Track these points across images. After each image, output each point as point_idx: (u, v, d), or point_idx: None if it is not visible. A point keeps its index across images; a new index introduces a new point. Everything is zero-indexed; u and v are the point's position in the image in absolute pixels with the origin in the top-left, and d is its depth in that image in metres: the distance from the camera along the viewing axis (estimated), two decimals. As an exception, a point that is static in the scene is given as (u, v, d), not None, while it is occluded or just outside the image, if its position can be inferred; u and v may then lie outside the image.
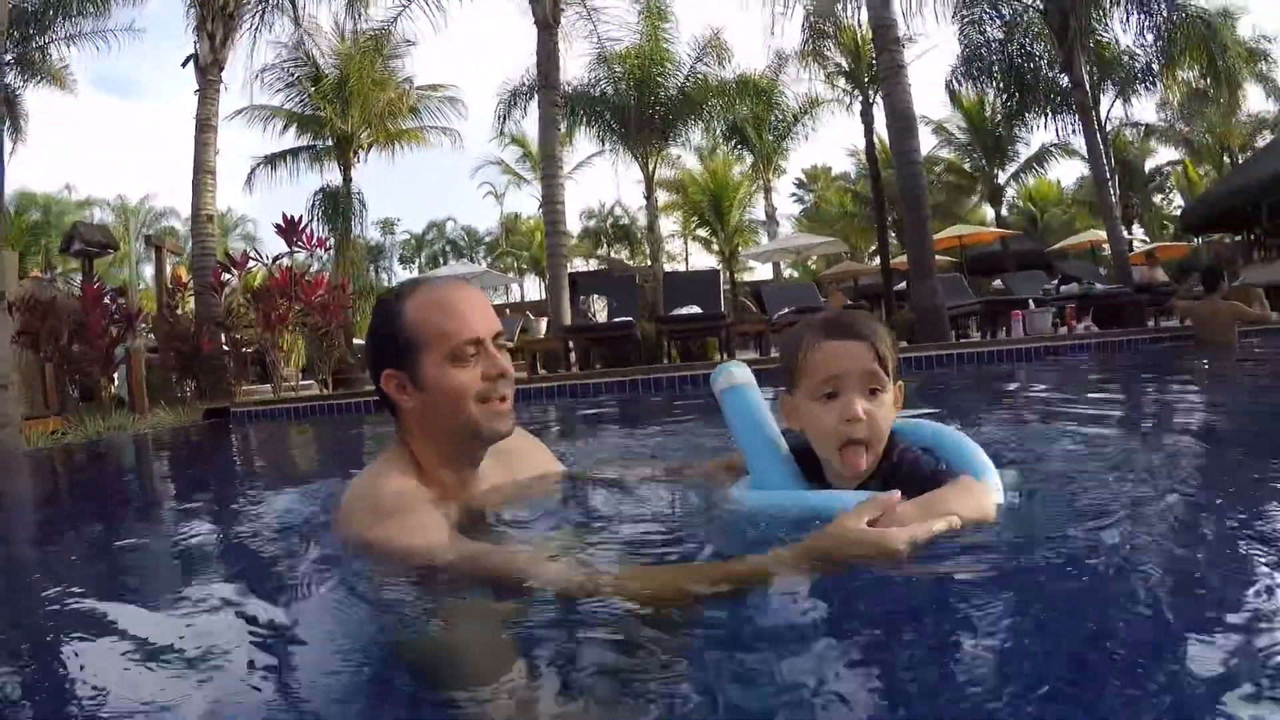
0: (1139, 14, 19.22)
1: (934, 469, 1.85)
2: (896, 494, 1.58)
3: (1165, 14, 18.93)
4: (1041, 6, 19.11)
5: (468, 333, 1.97)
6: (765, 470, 2.00)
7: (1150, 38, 19.87)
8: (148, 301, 16.73)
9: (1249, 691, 1.08)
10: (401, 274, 60.53)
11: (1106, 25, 20.55)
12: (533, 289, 54.96)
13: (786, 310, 14.59)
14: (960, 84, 23.65)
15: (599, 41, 22.44)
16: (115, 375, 12.29)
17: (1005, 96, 22.55)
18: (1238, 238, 25.17)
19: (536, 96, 18.05)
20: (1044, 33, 20.04)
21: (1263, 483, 2.46)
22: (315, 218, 22.55)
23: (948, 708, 1.16)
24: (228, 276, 13.39)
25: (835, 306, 12.97)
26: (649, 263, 28.58)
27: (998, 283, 20.20)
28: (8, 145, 8.60)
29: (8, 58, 13.40)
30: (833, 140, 75.28)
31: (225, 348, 12.92)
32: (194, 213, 15.39)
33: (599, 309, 14.10)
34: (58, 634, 1.82)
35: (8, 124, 20.72)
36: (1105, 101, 25.07)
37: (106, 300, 12.10)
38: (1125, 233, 25.85)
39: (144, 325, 12.74)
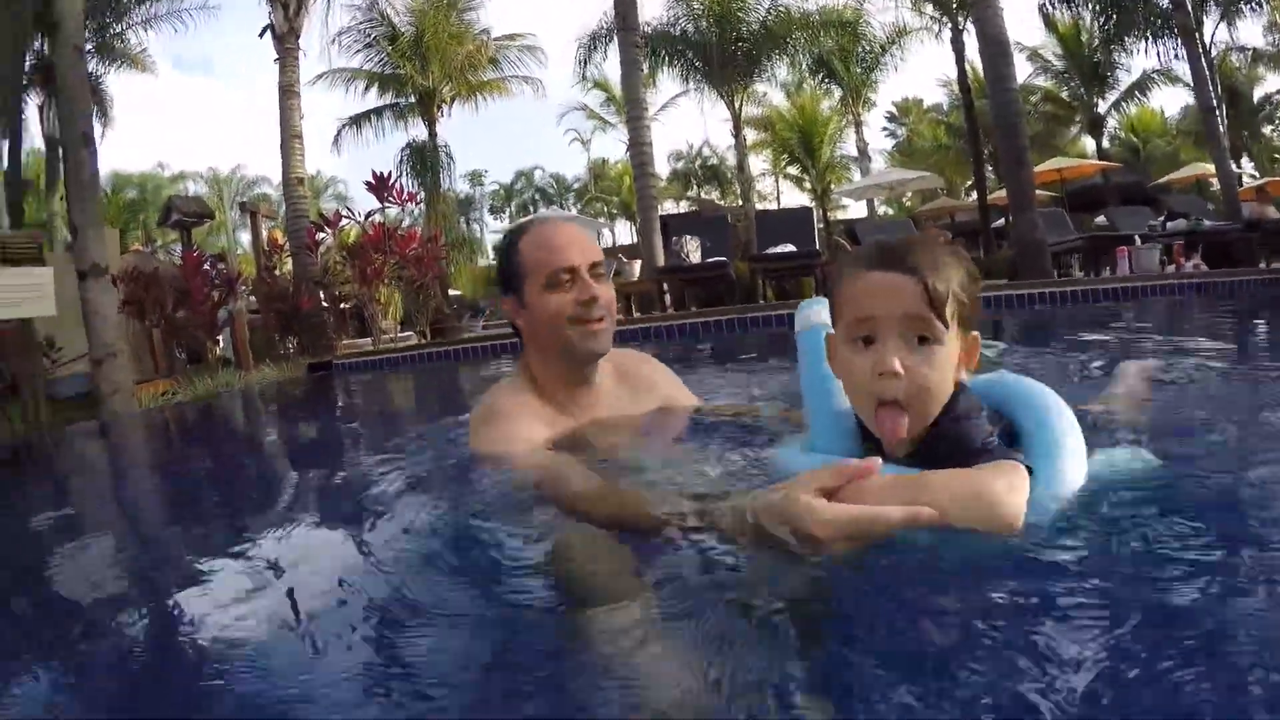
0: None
1: (985, 442, 1.42)
2: (876, 462, 1.26)
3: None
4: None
5: (562, 261, 2.23)
6: (819, 428, 1.67)
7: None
8: (246, 265, 17.03)
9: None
10: (493, 224, 61.08)
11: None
12: (623, 234, 54.62)
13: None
14: (1054, 7, 22.54)
15: (675, -23, 22.11)
16: (220, 337, 12.61)
17: (1102, 19, 21.45)
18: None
19: (616, 39, 17.77)
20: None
21: None
22: (404, 173, 22.66)
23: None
24: (322, 235, 13.58)
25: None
26: (740, 203, 28.16)
27: (1100, 218, 19.09)
28: (97, 129, 8.93)
29: (88, 45, 13.79)
30: (923, 71, 72.95)
31: (324, 304, 13.12)
32: (285, 177, 15.67)
33: (692, 250, 13.92)
34: (202, 575, 1.95)
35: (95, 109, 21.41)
36: (1209, 24, 23.26)
37: (206, 267, 12.36)
38: (1234, 166, 24.38)
39: (244, 288, 12.96)
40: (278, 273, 13.76)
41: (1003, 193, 16.31)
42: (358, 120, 24.86)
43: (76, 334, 8.77)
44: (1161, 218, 15.55)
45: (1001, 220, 19.61)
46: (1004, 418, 1.52)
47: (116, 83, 33.37)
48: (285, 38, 15.74)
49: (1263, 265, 12.94)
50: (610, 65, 24.30)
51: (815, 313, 1.80)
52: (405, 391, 7.85)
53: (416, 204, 15.27)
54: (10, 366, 8.16)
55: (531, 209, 58.11)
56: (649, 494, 1.64)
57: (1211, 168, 19.59)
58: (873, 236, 15.53)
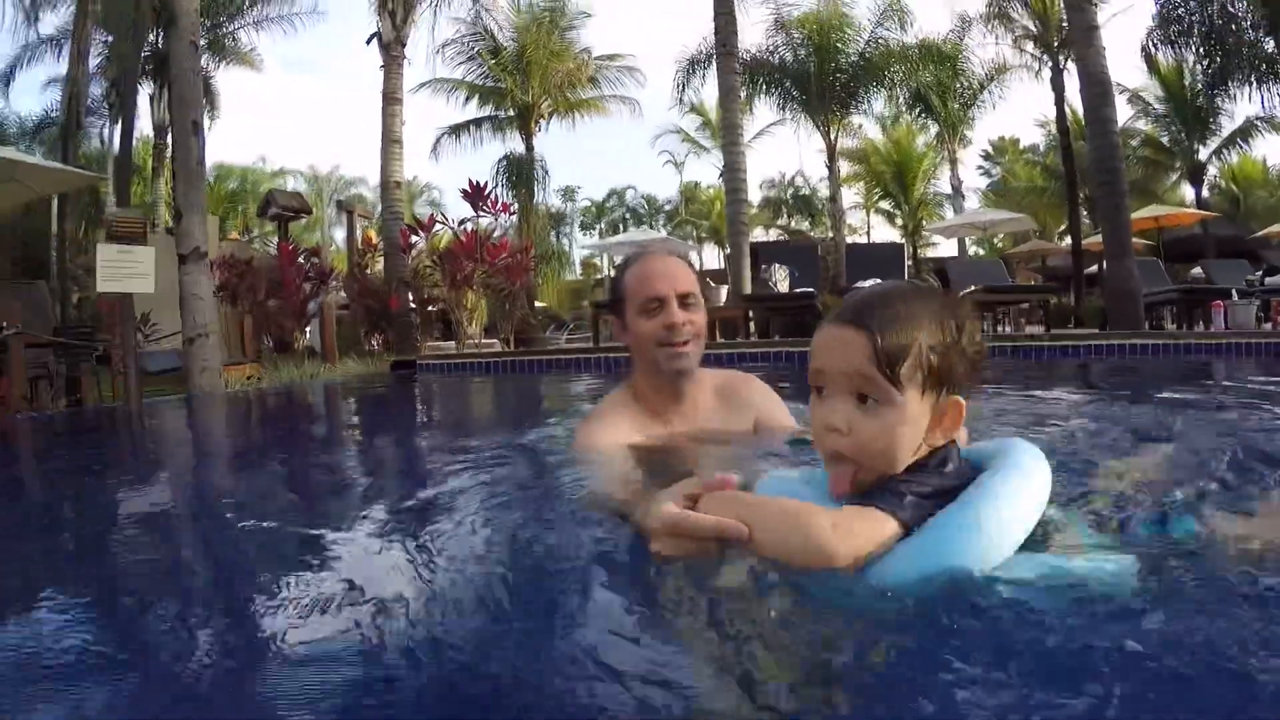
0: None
1: (904, 496, 1.30)
2: (731, 478, 1.33)
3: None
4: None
5: (652, 291, 2.55)
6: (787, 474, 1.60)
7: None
8: (339, 262, 17.38)
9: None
10: (582, 240, 61.47)
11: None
12: (711, 258, 54.64)
13: (973, 288, 13.99)
14: (1157, 47, 21.86)
15: (776, 6, 22.09)
16: (308, 328, 12.83)
17: (1205, 61, 20.81)
18: None
19: (715, 64, 17.79)
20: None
21: None
22: (499, 184, 22.99)
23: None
24: (415, 239, 13.76)
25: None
26: (829, 234, 27.96)
27: (1196, 270, 18.42)
28: (204, 121, 9.26)
29: (202, 41, 14.34)
30: (1021, 110, 72.22)
31: (412, 305, 13.28)
32: (383, 180, 15.94)
33: (780, 278, 13.82)
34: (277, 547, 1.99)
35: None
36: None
37: (301, 260, 12.62)
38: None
39: (335, 283, 13.21)
40: (369, 271, 13.99)
41: (1097, 238, 15.89)
42: (456, 130, 25.26)
43: (170, 313, 9.02)
44: (1260, 272, 14.93)
45: (1095, 267, 19.09)
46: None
47: (225, 78, 34.51)
48: (391, 46, 16.07)
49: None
50: (708, 90, 24.46)
51: None
52: (486, 397, 7.85)
53: (510, 215, 15.38)
54: (108, 338, 8.41)
55: (622, 228, 58.40)
56: (628, 492, 1.88)
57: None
58: (966, 277, 15.35)
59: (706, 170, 74.15)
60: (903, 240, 29.88)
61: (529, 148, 23.71)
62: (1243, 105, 24.40)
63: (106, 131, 21.97)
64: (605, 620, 1.28)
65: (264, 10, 22.42)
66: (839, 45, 22.41)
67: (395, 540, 1.91)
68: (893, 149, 30.43)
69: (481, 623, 1.34)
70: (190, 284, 8.59)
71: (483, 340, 13.53)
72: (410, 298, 13.39)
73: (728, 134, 16.56)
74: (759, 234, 41.78)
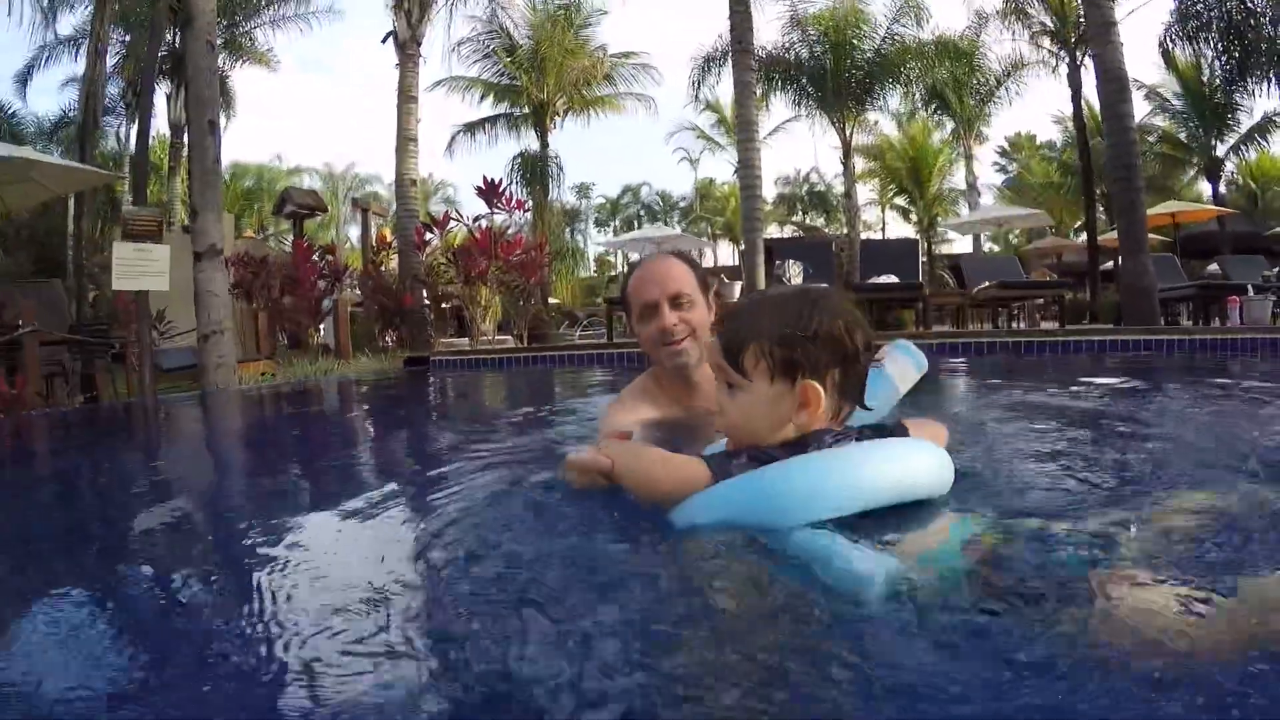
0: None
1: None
2: (629, 433, 2.01)
3: None
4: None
5: (644, 298, 2.76)
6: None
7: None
8: (353, 260, 17.43)
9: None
10: (597, 236, 61.61)
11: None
12: (725, 254, 54.61)
13: (987, 284, 13.93)
14: (1175, 43, 21.64)
15: (792, 3, 22.02)
16: (322, 325, 12.88)
17: (1224, 57, 20.61)
18: None
19: (730, 61, 17.70)
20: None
21: None
22: (514, 181, 23.07)
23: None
24: (430, 236, 13.79)
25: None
26: (844, 230, 27.90)
27: (1213, 266, 18.24)
28: (221, 120, 9.31)
29: (218, 40, 14.35)
30: (1038, 106, 71.88)
31: (426, 302, 13.30)
32: (398, 177, 15.96)
33: (794, 275, 13.80)
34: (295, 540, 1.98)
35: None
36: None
37: (315, 257, 12.65)
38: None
39: (350, 280, 13.25)
40: (383, 268, 14.03)
41: (1113, 234, 15.76)
42: (471, 127, 25.35)
43: (185, 310, 9.05)
44: (1277, 268, 14.82)
45: (1110, 263, 18.95)
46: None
47: (241, 77, 34.62)
48: (406, 44, 16.10)
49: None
50: (723, 87, 24.41)
51: (885, 356, 2.39)
52: (499, 392, 7.86)
53: (524, 212, 15.41)
54: (124, 334, 8.45)
55: (636, 224, 58.34)
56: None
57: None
58: (981, 273, 15.30)
59: (721, 167, 73.88)
60: (917, 236, 29.68)
61: (544, 145, 23.77)
62: (1261, 101, 24.14)
63: (123, 131, 22.22)
64: (614, 617, 1.26)
65: (280, 10, 22.53)
66: (855, 42, 22.28)
67: (408, 534, 1.92)
68: (908, 145, 30.27)
69: (497, 622, 1.30)
70: (205, 281, 8.62)
71: (496, 337, 13.56)
72: (424, 294, 13.42)
73: (743, 131, 16.49)
74: (774, 230, 41.73)
